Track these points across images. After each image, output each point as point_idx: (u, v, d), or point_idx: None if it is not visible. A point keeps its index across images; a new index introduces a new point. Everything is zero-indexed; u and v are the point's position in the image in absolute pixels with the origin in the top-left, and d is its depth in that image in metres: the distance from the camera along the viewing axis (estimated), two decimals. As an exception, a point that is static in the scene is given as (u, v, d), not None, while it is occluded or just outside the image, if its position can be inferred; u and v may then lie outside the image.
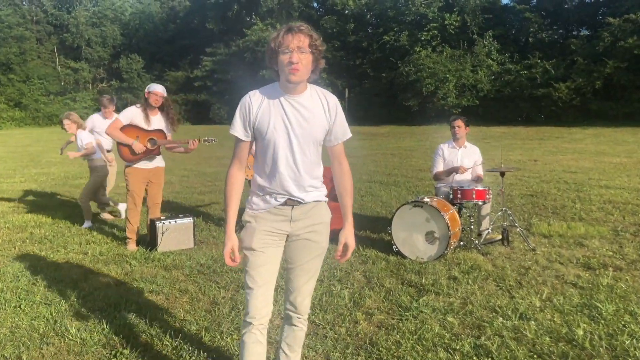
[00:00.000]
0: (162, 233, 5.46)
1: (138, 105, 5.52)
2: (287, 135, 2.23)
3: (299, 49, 2.14)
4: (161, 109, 5.54)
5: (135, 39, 55.08)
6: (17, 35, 48.78)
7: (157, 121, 5.52)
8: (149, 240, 5.61)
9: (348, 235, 2.40)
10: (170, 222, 5.52)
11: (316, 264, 2.40)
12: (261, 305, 2.27)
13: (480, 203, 5.25)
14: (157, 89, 5.48)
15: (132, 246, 5.57)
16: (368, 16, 38.43)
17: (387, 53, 34.62)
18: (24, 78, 48.74)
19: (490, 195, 5.29)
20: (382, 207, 7.67)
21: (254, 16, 44.44)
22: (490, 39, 30.87)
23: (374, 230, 6.16)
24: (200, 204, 8.14)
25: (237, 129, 2.26)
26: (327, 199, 2.41)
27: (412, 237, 5.00)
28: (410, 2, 33.77)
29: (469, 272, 4.53)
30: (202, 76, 45.51)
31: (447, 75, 30.31)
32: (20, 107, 47.13)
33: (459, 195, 5.23)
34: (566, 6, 31.67)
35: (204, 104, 44.83)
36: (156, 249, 5.43)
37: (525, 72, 28.38)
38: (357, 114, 32.92)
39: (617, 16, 25.37)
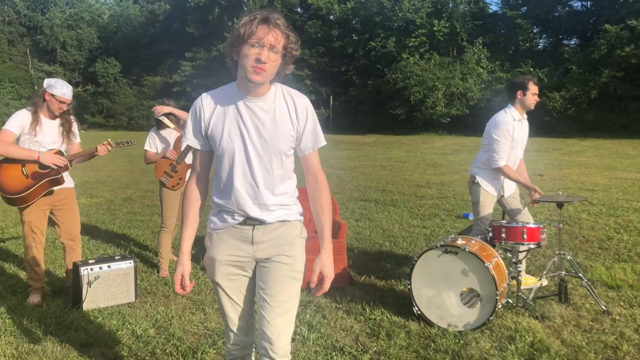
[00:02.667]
0: (89, 283, 3.91)
1: (29, 108, 3.97)
2: (244, 145, 1.96)
3: (272, 48, 1.85)
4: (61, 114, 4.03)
5: (112, 43, 53.23)
6: (-13, 36, 46.70)
7: (50, 131, 3.99)
8: (71, 291, 4.05)
9: (325, 262, 2.03)
10: (100, 268, 3.97)
11: (290, 292, 2.02)
12: (243, 337, 2.13)
13: (533, 246, 3.79)
14: (65, 94, 3.94)
15: (35, 298, 4.01)
16: (354, 22, 37.17)
17: (373, 60, 33.30)
18: (-6, 81, 46.65)
19: (545, 236, 3.85)
20: (383, 236, 6.19)
21: (235, 20, 43.02)
22: (480, 46, 29.76)
23: (380, 273, 4.68)
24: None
25: (189, 136, 2.04)
26: (300, 218, 2.11)
27: (441, 296, 3.53)
28: (397, 8, 32.51)
29: (532, 356, 3.06)
30: (182, 81, 43.88)
31: (436, 83, 29.03)
32: (-11, 112, 45.00)
33: (503, 235, 3.78)
34: (557, 14, 30.76)
35: (183, 110, 42.83)
36: (80, 306, 3.88)
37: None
38: (342, 122, 31.48)
39: (613, 24, 24.40)
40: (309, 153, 2.05)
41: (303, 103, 2.02)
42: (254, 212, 1.97)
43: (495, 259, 3.59)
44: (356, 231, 6.43)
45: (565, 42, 30.65)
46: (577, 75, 25.07)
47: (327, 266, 2.02)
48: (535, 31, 31.82)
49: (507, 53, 30.61)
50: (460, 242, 3.57)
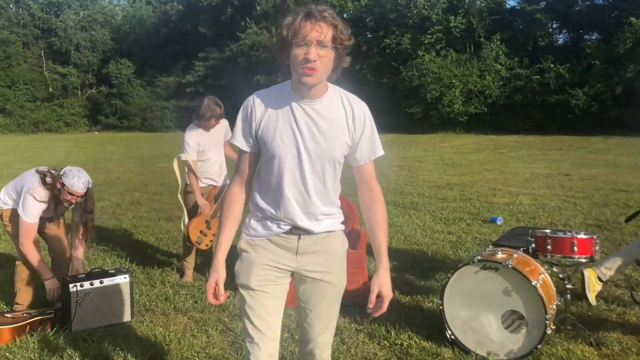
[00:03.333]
0: (78, 302, 3.49)
1: (45, 187, 3.61)
2: (297, 151, 1.82)
3: (319, 43, 1.70)
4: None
5: (125, 44, 53.30)
6: (2, 39, 46.85)
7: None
8: (60, 311, 3.63)
9: (383, 282, 1.93)
10: (92, 284, 3.55)
11: (333, 310, 1.99)
12: (265, 346, 1.89)
13: (584, 260, 3.27)
14: (74, 185, 3.57)
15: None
16: (368, 19, 36.60)
17: (388, 57, 32.69)
18: (9, 83, 46.86)
19: (599, 248, 3.33)
20: (405, 244, 5.70)
21: (248, 20, 42.81)
22: (498, 43, 29.02)
23: (404, 287, 4.20)
24: (165, 238, 6.16)
25: (237, 136, 1.89)
26: (342, 227, 1.99)
27: (479, 318, 3.04)
28: (412, 4, 31.88)
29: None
30: (195, 82, 43.71)
31: (453, 81, 28.37)
32: (4, 114, 45.22)
33: (548, 247, 3.27)
34: (577, 8, 29.90)
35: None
36: (68, 328, 3.45)
37: (537, 77, 26.46)
38: (357, 121, 30.99)
39: (639, 17, 23.51)
40: (364, 163, 1.92)
41: (361, 109, 1.89)
42: (302, 221, 1.86)
43: (542, 275, 3.09)
44: (375, 237, 5.94)
45: (586, 37, 29.76)
46: (601, 71, 24.24)
47: (386, 286, 1.94)
48: (554, 26, 30.98)
49: (526, 49, 29.84)
50: (500, 255, 3.08)
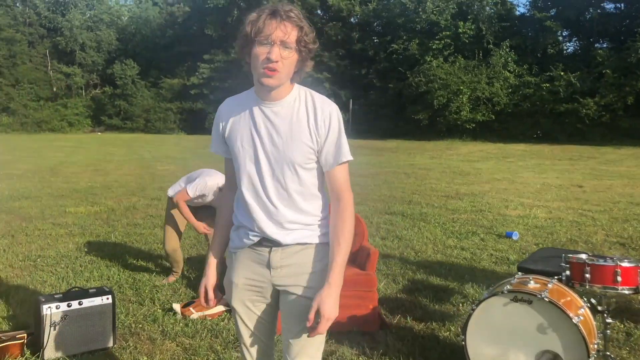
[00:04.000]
0: (53, 325, 3.10)
1: None
2: (255, 156, 1.76)
3: (283, 44, 1.63)
4: None
5: (131, 45, 53.18)
6: (8, 37, 46.72)
7: None
8: (32, 334, 3.24)
9: (324, 299, 1.68)
10: (69, 305, 3.16)
11: (307, 330, 1.75)
12: None
13: (628, 292, 2.86)
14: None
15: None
16: (375, 23, 36.27)
17: (395, 62, 32.34)
18: (13, 82, 46.71)
19: (645, 277, 2.92)
20: (416, 260, 5.29)
21: (254, 22, 42.59)
22: (507, 49, 28.62)
23: (416, 312, 3.79)
24: (158, 248, 5.77)
25: (213, 144, 1.91)
26: (323, 241, 1.80)
27: (507, 357, 2.64)
28: (420, 9, 31.52)
29: None
30: (199, 84, 43.49)
31: (461, 87, 27.96)
32: (7, 113, 45.01)
33: (587, 276, 2.86)
34: (589, 16, 29.49)
35: (200, 112, 42.71)
36: (41, 355, 3.06)
37: (547, 85, 26.04)
38: (362, 126, 30.50)
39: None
40: (329, 169, 1.78)
41: (327, 110, 1.75)
42: (269, 229, 1.76)
43: (582, 310, 2.68)
44: (383, 252, 5.54)
45: (597, 45, 29.34)
46: (612, 80, 23.81)
47: (327, 305, 1.69)
48: (564, 34, 30.59)
49: (535, 56, 29.46)
50: (532, 285, 2.68)
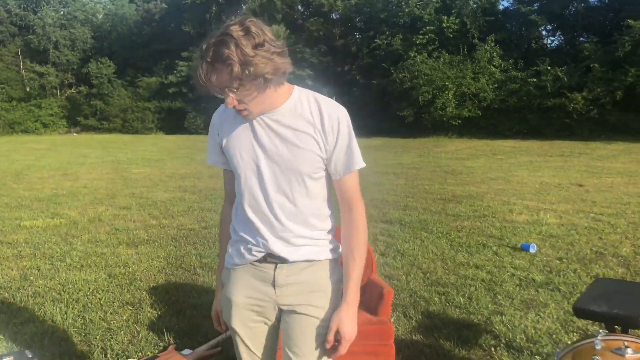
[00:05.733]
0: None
1: None
2: (257, 167, 1.64)
3: (228, 90, 1.48)
4: None
5: (107, 43, 51.92)
6: (-23, 36, 45.22)
7: None
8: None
9: (343, 319, 1.64)
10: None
11: (322, 351, 1.68)
12: None
13: None
14: None
15: None
16: (357, 19, 35.58)
17: (378, 58, 31.67)
18: (-17, 82, 45.27)
19: None
20: (426, 283, 4.50)
21: (234, 18, 41.61)
22: (492, 44, 28.08)
23: (439, 350, 3.00)
24: (119, 275, 4.88)
25: (209, 155, 1.80)
26: (333, 256, 1.72)
27: None
28: (403, 4, 30.85)
29: None
30: (178, 82, 42.52)
31: (446, 83, 27.35)
32: (-22, 114, 43.55)
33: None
34: (573, 9, 29.11)
35: (179, 112, 41.76)
36: None
37: (534, 80, 25.54)
38: (346, 124, 29.93)
39: (637, 19, 22.67)
40: (339, 177, 1.66)
41: (334, 114, 1.63)
42: (275, 245, 1.63)
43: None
44: (386, 273, 4.74)
45: (582, 39, 28.97)
46: (600, 74, 23.39)
47: (347, 325, 1.62)
48: (549, 28, 30.21)
49: (521, 51, 29.00)
50: (631, 354, 1.89)
